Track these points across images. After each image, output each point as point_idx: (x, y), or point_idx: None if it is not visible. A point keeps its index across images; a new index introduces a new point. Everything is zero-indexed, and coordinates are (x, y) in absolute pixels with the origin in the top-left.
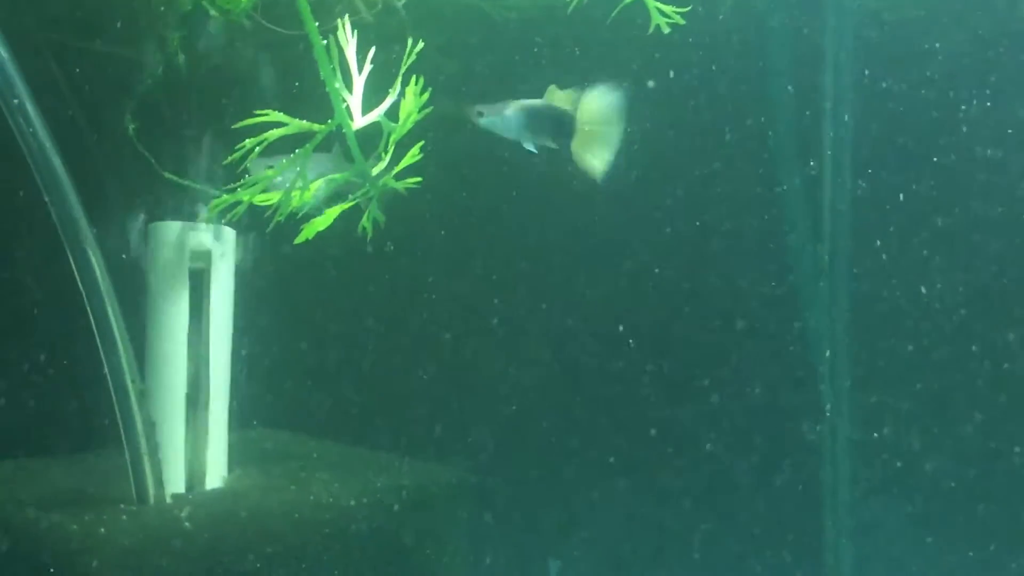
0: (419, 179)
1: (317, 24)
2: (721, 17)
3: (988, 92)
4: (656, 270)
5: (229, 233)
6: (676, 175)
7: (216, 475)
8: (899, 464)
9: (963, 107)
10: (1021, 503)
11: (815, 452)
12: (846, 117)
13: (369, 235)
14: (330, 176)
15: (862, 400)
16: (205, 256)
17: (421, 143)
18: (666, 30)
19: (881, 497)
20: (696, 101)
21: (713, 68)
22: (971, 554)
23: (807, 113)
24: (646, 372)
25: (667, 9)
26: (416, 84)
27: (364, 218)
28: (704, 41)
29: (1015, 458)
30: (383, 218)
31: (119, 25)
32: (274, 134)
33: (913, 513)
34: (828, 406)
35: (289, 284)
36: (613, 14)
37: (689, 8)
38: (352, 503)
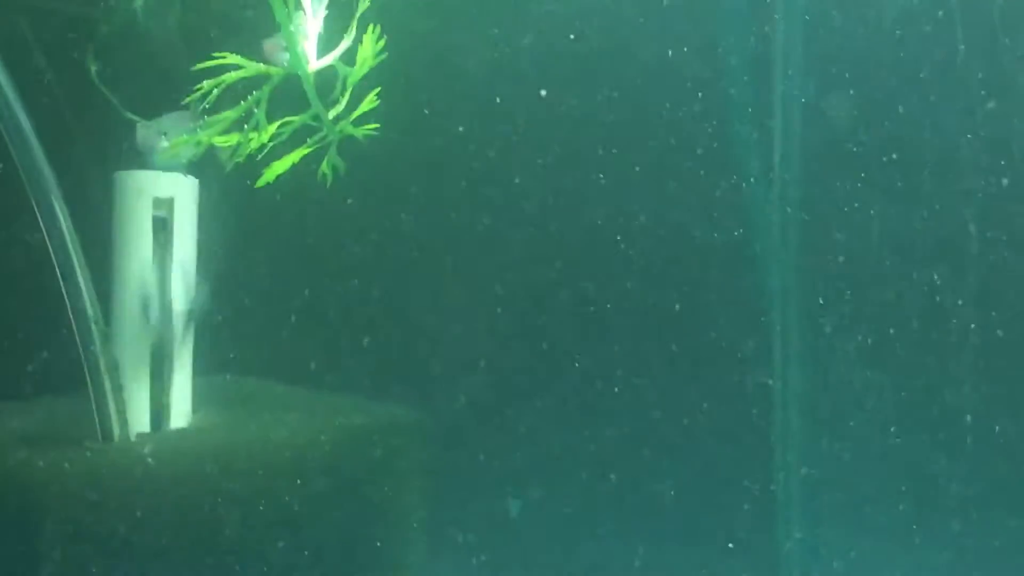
0: (377, 125)
1: None
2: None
3: (937, 94)
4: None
5: (191, 181)
6: (621, 173)
7: (181, 416)
8: (852, 459)
9: (907, 109)
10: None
11: (768, 439)
12: (796, 117)
13: (329, 181)
14: (289, 119)
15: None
16: (168, 203)
17: (378, 89)
18: None
19: (833, 492)
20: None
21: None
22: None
23: (760, 109)
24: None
25: None
26: (372, 32)
27: (323, 163)
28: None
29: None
30: (343, 165)
31: None
32: (231, 77)
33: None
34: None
35: (252, 230)
36: None
37: None
38: (311, 441)
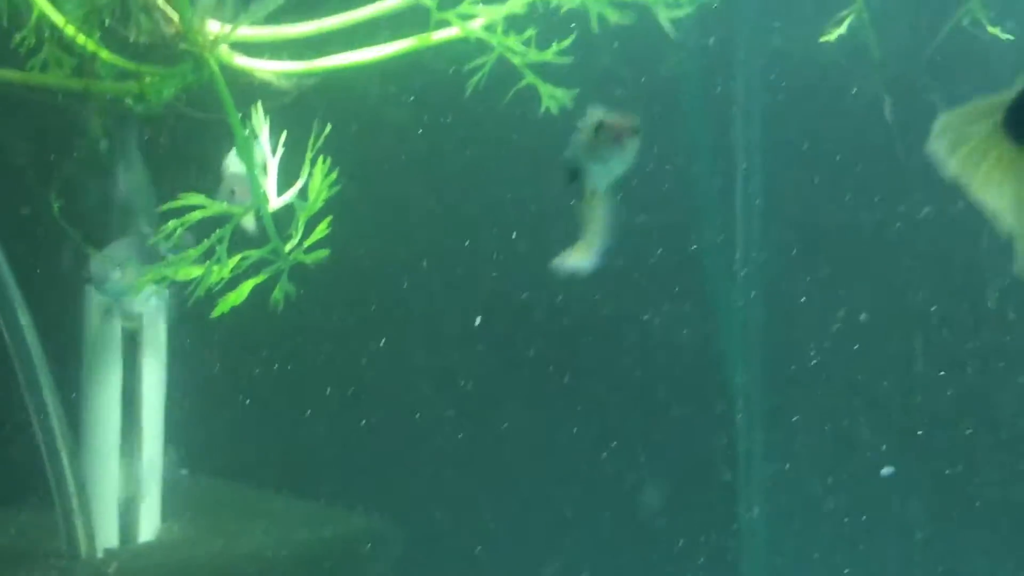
0: (326, 251)
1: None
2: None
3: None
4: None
5: (160, 295)
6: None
7: (149, 528)
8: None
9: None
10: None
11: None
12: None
13: (280, 307)
14: (248, 253)
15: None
16: (137, 317)
17: (329, 218)
18: (555, 111)
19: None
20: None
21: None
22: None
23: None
24: (564, 406)
25: (557, 92)
26: (324, 163)
27: (276, 290)
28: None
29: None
30: (294, 292)
31: (47, 111)
32: (195, 216)
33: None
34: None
35: (220, 338)
36: (507, 98)
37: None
38: (276, 555)
